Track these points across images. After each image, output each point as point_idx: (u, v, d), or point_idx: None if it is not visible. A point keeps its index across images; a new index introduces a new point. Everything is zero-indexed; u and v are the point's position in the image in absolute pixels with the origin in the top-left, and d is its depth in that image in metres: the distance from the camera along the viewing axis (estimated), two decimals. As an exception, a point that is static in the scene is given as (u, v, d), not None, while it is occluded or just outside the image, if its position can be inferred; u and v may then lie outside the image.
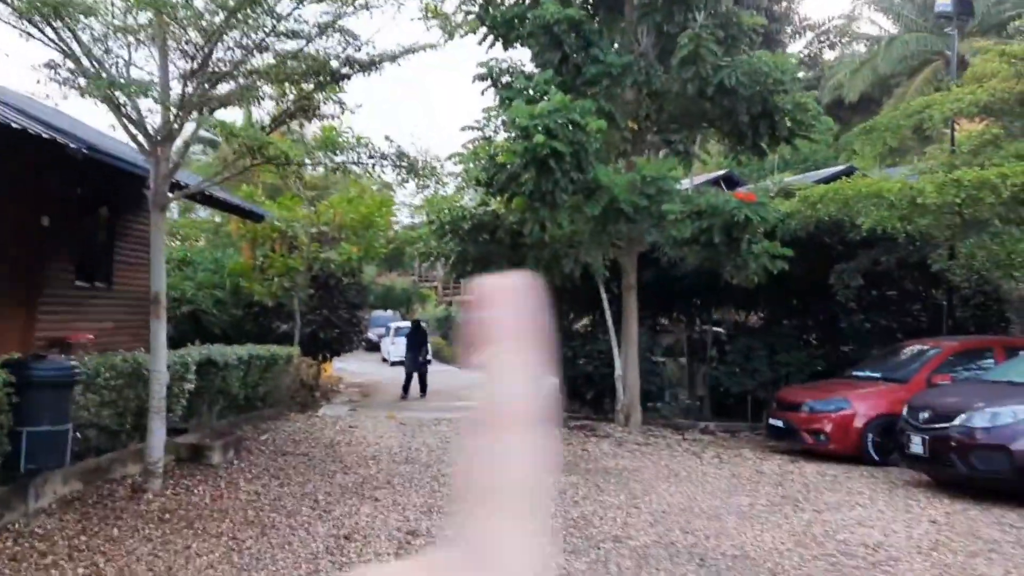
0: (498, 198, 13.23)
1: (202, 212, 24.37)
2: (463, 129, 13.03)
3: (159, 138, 7.45)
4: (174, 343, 13.45)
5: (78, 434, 6.94)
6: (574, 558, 6.24)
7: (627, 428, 13.67)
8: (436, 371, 30.38)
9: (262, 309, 16.01)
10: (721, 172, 24.78)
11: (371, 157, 8.80)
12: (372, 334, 39.37)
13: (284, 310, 16.07)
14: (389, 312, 38.04)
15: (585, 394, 15.28)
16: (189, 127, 7.91)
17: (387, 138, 10.35)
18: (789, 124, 13.04)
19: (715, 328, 19.13)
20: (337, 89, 8.69)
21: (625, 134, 13.33)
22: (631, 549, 6.54)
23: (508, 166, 11.77)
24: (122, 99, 7.15)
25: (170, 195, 7.41)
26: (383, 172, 8.93)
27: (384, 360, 34.02)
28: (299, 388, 15.22)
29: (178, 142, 7.88)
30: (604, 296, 13.73)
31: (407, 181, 9.05)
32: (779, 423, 11.89)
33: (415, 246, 14.46)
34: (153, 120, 7.50)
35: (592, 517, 7.51)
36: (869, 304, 14.56)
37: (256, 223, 14.29)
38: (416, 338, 18.77)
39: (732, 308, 17.42)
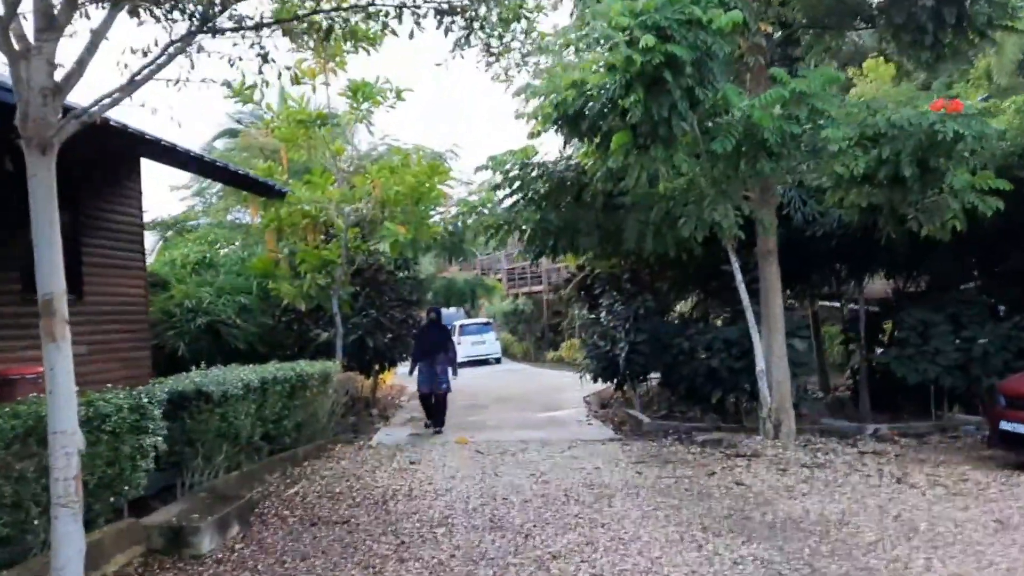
0: (586, 144, 9.83)
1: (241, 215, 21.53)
2: (523, 61, 9.48)
3: (40, 28, 4.27)
4: (181, 366, 10.46)
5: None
6: None
7: (778, 441, 10.16)
8: (505, 371, 27.39)
9: (297, 314, 12.95)
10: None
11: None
12: (436, 335, 36.47)
13: (324, 314, 12.99)
14: (453, 309, 35.05)
15: (709, 397, 11.79)
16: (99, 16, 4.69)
17: None
18: (987, 8, 9.31)
19: (852, 304, 15.45)
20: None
21: (757, 39, 9.75)
22: None
23: (602, 91, 8.38)
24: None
25: (54, 120, 4.21)
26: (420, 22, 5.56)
27: (450, 362, 30.98)
28: (347, 410, 12.12)
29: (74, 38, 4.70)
30: (736, 264, 10.20)
31: (466, 44, 5.67)
32: (1020, 428, 8.24)
33: (477, 219, 11.14)
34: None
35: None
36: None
37: (276, 200, 11.20)
38: (431, 339, 12.29)
39: (884, 274, 13.65)
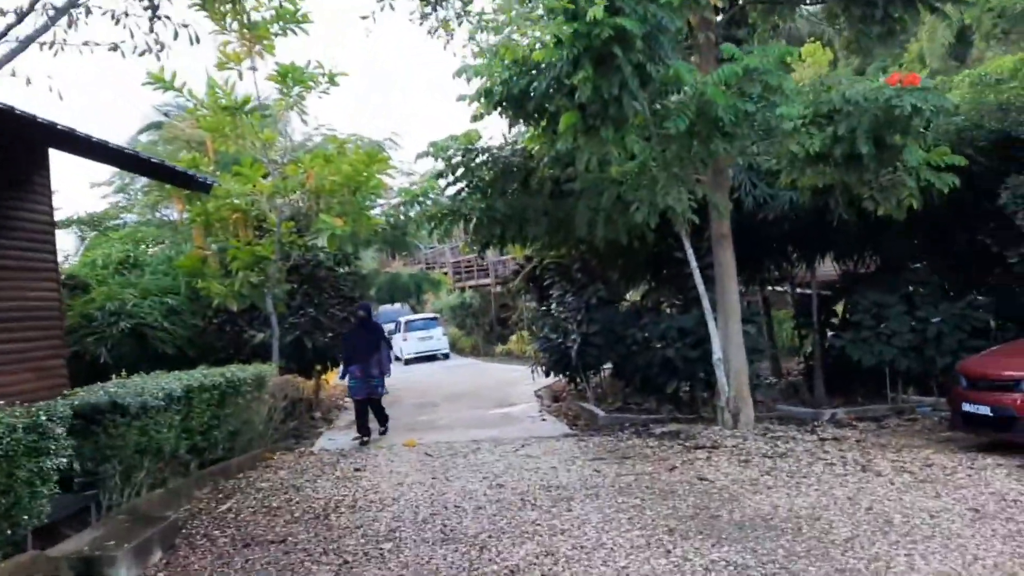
0: (532, 128, 9.34)
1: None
2: (471, 39, 8.94)
3: None
4: (103, 374, 9.70)
5: None
6: None
7: (737, 430, 9.87)
8: (454, 366, 26.82)
9: (230, 315, 12.20)
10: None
11: None
12: (382, 330, 35.68)
13: (259, 314, 12.27)
14: (398, 305, 34.32)
15: (665, 388, 11.44)
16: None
17: None
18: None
19: (800, 288, 15.33)
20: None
21: (707, 13, 9.37)
22: None
23: (548, 68, 7.89)
24: None
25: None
26: None
27: (397, 359, 30.32)
28: (287, 415, 11.44)
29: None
30: (690, 250, 9.84)
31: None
32: (982, 409, 8.03)
33: (419, 209, 10.55)
34: None
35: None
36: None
37: (203, 194, 10.44)
38: (362, 340, 10.98)
39: (833, 256, 13.49)
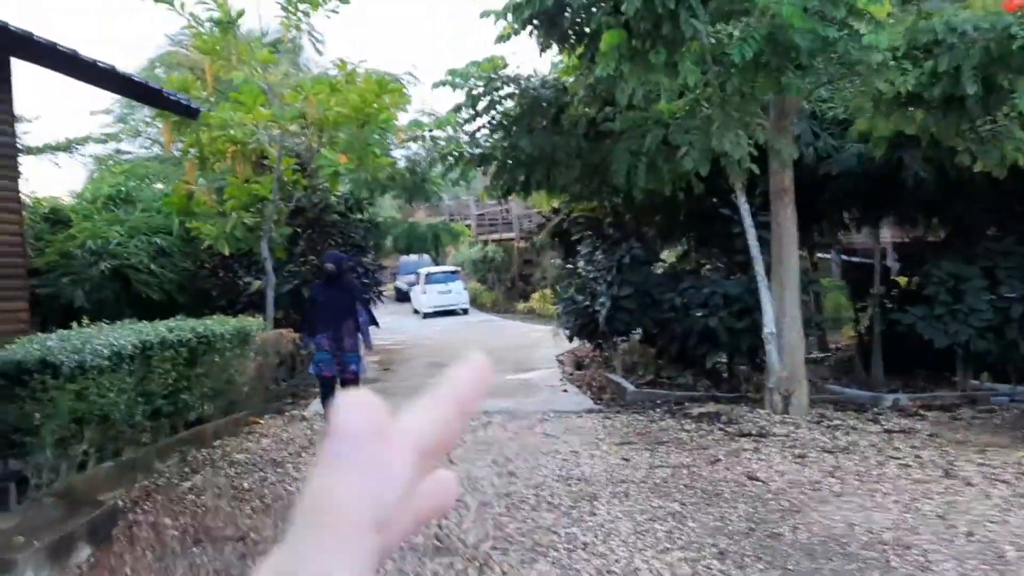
0: (567, 55, 7.95)
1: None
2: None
3: None
4: (79, 321, 8.61)
5: None
6: None
7: (788, 416, 8.60)
8: (475, 322, 25.62)
9: (223, 260, 11.05)
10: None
11: None
12: (402, 282, 34.60)
13: (257, 260, 11.11)
14: (419, 257, 33.10)
15: (703, 361, 10.17)
16: None
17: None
18: None
19: (847, 255, 13.94)
20: None
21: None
22: None
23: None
24: None
25: None
26: None
27: (415, 312, 29.27)
28: (285, 374, 10.34)
29: None
30: (744, 207, 8.47)
31: None
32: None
33: (433, 145, 9.23)
34: None
35: None
36: None
37: (194, 123, 9.19)
38: (331, 301, 8.10)
39: (894, 220, 12.03)
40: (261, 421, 8.83)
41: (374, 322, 8.55)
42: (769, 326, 8.67)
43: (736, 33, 7.06)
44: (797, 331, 8.79)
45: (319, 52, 21.39)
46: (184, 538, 5.12)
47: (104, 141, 16.61)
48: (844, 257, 15.93)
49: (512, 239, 30.70)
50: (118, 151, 20.56)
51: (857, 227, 11.79)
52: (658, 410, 9.34)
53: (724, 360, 10.57)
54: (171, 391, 6.73)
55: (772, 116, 8.44)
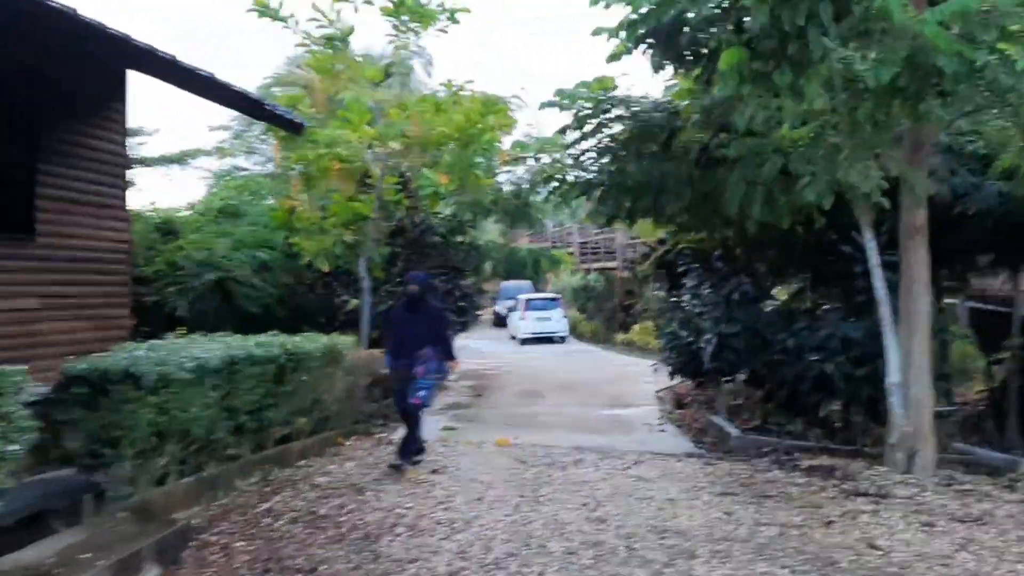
0: (682, 76, 7.52)
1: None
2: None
3: None
4: (168, 328, 8.71)
5: None
6: None
7: (911, 475, 7.75)
8: (571, 351, 25.10)
9: (323, 276, 11.07)
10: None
11: None
12: (501, 307, 34.51)
13: (355, 279, 11.06)
14: (522, 282, 32.89)
15: (816, 409, 9.40)
16: None
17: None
18: None
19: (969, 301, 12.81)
20: None
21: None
22: None
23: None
24: None
25: None
26: None
27: (513, 338, 29.04)
28: (376, 395, 10.19)
29: None
30: (870, 244, 7.76)
31: None
32: None
33: (539, 169, 8.92)
34: None
35: None
36: None
37: (302, 139, 9.23)
38: (409, 324, 7.70)
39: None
40: (347, 443, 8.66)
41: (450, 355, 7.92)
42: (893, 376, 7.88)
43: (872, 55, 6.45)
44: (925, 383, 7.96)
45: (428, 74, 21.59)
46: (254, 564, 4.90)
47: (211, 154, 17.14)
48: (972, 304, 14.71)
49: (614, 268, 30.15)
50: (236, 167, 21.26)
51: (993, 271, 10.76)
52: (764, 459, 8.65)
53: (838, 408, 9.74)
54: (257, 408, 6.61)
55: (905, 148, 7.73)
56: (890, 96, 6.46)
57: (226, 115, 19.68)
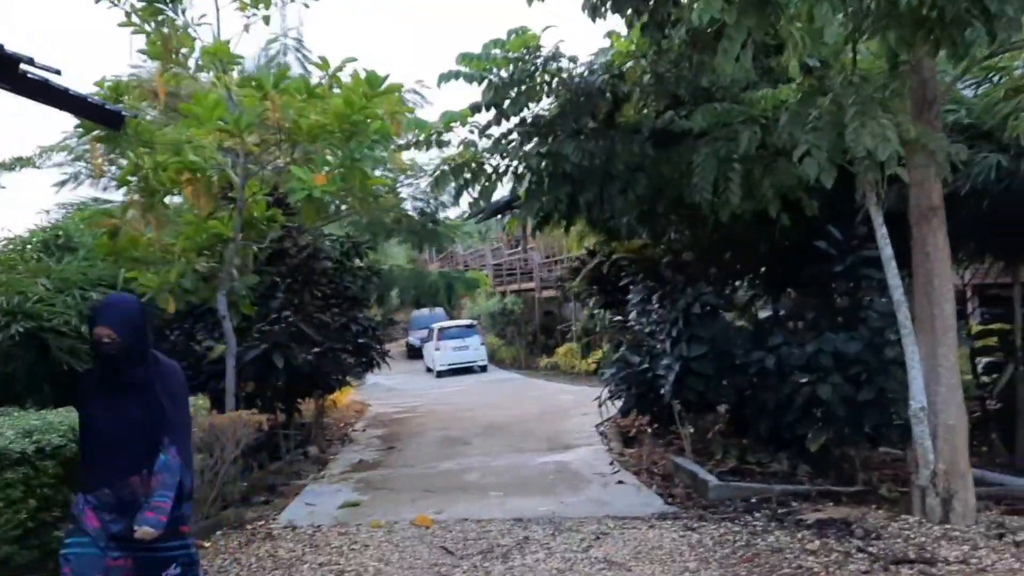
0: (629, 12, 5.62)
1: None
2: None
3: None
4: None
5: None
6: None
7: (951, 526, 6.00)
8: (494, 381, 22.97)
9: (177, 317, 8.68)
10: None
11: None
12: (415, 337, 32.22)
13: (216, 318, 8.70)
14: (433, 310, 30.68)
15: (803, 441, 7.55)
16: None
17: None
18: None
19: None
20: None
21: None
22: None
23: None
24: None
25: None
26: None
27: (429, 370, 26.78)
28: (248, 468, 7.85)
29: None
30: (881, 231, 6.00)
31: None
32: None
33: (445, 159, 6.85)
34: None
35: None
36: None
37: (112, 131, 6.86)
38: (110, 411, 3.47)
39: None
40: (207, 544, 6.31)
41: (188, 469, 3.65)
42: (919, 398, 6.12)
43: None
44: (957, 405, 6.23)
45: (302, 56, 19.33)
46: None
47: (22, 167, 14.15)
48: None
49: (532, 289, 28.40)
50: (96, 199, 18.40)
51: (990, 261, 9.29)
52: (757, 514, 6.76)
53: (830, 438, 7.96)
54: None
55: (911, 107, 6.05)
56: (923, 19, 4.69)
57: (63, 132, 16.53)
